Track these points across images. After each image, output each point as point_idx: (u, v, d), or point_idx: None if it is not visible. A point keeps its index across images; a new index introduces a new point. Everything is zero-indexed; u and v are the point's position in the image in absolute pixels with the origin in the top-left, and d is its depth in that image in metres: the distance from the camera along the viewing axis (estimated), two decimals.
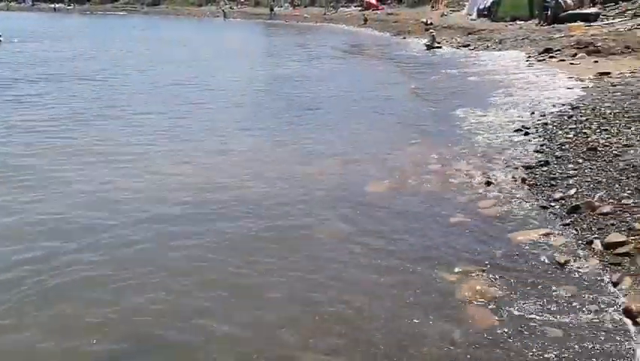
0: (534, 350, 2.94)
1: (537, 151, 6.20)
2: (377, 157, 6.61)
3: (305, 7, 45.59)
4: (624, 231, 3.91)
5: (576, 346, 2.92)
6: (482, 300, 3.45)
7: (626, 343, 2.91)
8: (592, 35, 16.18)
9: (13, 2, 63.11)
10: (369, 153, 6.83)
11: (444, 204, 5.11)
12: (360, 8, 38.54)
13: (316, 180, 5.90)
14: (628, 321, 3.04)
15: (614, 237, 3.82)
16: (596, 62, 12.68)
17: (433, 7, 31.25)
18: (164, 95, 11.59)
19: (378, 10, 36.50)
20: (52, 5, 59.17)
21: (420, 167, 6.22)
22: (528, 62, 14.03)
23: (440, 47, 19.17)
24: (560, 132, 6.72)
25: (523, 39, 18.25)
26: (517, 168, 5.78)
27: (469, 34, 21.37)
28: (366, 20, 32.44)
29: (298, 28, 34.30)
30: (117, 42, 24.34)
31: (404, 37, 24.18)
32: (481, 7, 25.47)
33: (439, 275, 3.81)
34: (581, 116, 7.33)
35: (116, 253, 4.26)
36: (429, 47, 19.15)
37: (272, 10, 43.24)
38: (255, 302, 3.60)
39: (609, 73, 10.80)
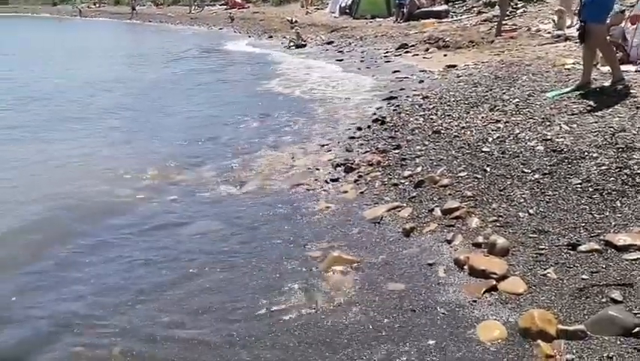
0: (380, 301, 3.38)
1: (391, 137, 6.80)
2: (248, 159, 6.79)
3: (168, 5, 44.65)
4: (458, 198, 4.51)
5: (414, 295, 3.40)
6: (341, 269, 3.83)
7: (454, 285, 3.45)
8: (442, 31, 17.57)
9: None
10: (229, 157, 6.98)
11: (307, 194, 5.48)
12: (225, 7, 38.46)
13: (187, 186, 5.96)
14: (457, 269, 3.59)
15: (450, 204, 4.40)
16: (445, 55, 13.85)
17: (302, 5, 31.99)
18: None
19: (243, 8, 36.69)
20: None
21: (283, 165, 6.50)
22: (386, 58, 14.99)
23: (305, 45, 19.73)
24: (412, 119, 7.38)
25: (382, 35, 19.37)
26: (373, 153, 6.32)
27: (333, 31, 22.23)
28: (232, 19, 32.51)
29: (159, 29, 33.61)
30: None
31: (270, 37, 24.57)
32: (343, 4, 26.57)
33: (305, 253, 4.15)
34: (429, 104, 8.07)
35: None
36: (295, 45, 19.66)
37: (133, 9, 41.89)
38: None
39: (456, 65, 11.87)
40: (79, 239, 4.69)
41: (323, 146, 7.08)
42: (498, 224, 3.99)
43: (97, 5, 51.24)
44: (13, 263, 4.24)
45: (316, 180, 5.83)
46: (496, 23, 15.36)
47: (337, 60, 15.71)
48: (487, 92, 7.82)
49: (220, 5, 40.22)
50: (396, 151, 6.13)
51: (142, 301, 3.63)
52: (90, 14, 45.50)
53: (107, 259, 4.32)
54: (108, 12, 45.90)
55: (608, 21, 7.03)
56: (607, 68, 6.92)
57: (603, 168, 4.37)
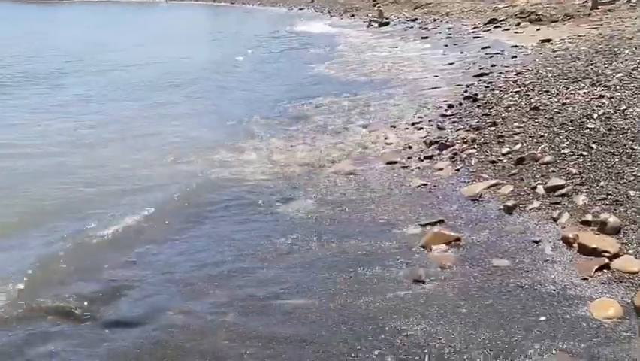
0: (484, 277, 3.38)
1: (485, 114, 6.66)
2: (339, 139, 6.87)
3: None
4: (563, 176, 4.38)
5: (520, 271, 3.37)
6: (442, 245, 3.83)
7: (562, 263, 3.39)
8: (534, 4, 16.88)
9: None
10: (320, 136, 7.06)
11: (405, 171, 5.48)
12: None
13: (281, 165, 6.05)
14: (565, 246, 3.52)
15: (554, 181, 4.29)
16: (539, 29, 13.33)
17: None
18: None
19: None
20: None
21: (375, 143, 6.54)
22: (474, 33, 14.58)
23: (388, 23, 19.47)
24: (506, 96, 7.20)
25: (469, 11, 18.87)
26: (468, 131, 6.22)
27: (416, 8, 21.87)
28: None
29: (242, 10, 34.21)
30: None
31: (352, 15, 24.44)
32: None
33: (405, 230, 4.17)
34: (524, 80, 7.83)
35: None
36: (378, 24, 19.45)
37: None
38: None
39: (550, 40, 11.41)
40: (179, 214, 4.87)
41: (414, 124, 7.04)
42: (607, 202, 3.86)
43: None
44: (122, 240, 4.41)
45: (410, 157, 5.83)
46: None
47: (422, 38, 15.45)
48: (586, 66, 7.51)
49: None
50: (492, 128, 6.01)
51: (241, 274, 3.76)
52: None
53: (206, 234, 4.46)
54: None
55: None
56: None
57: None
